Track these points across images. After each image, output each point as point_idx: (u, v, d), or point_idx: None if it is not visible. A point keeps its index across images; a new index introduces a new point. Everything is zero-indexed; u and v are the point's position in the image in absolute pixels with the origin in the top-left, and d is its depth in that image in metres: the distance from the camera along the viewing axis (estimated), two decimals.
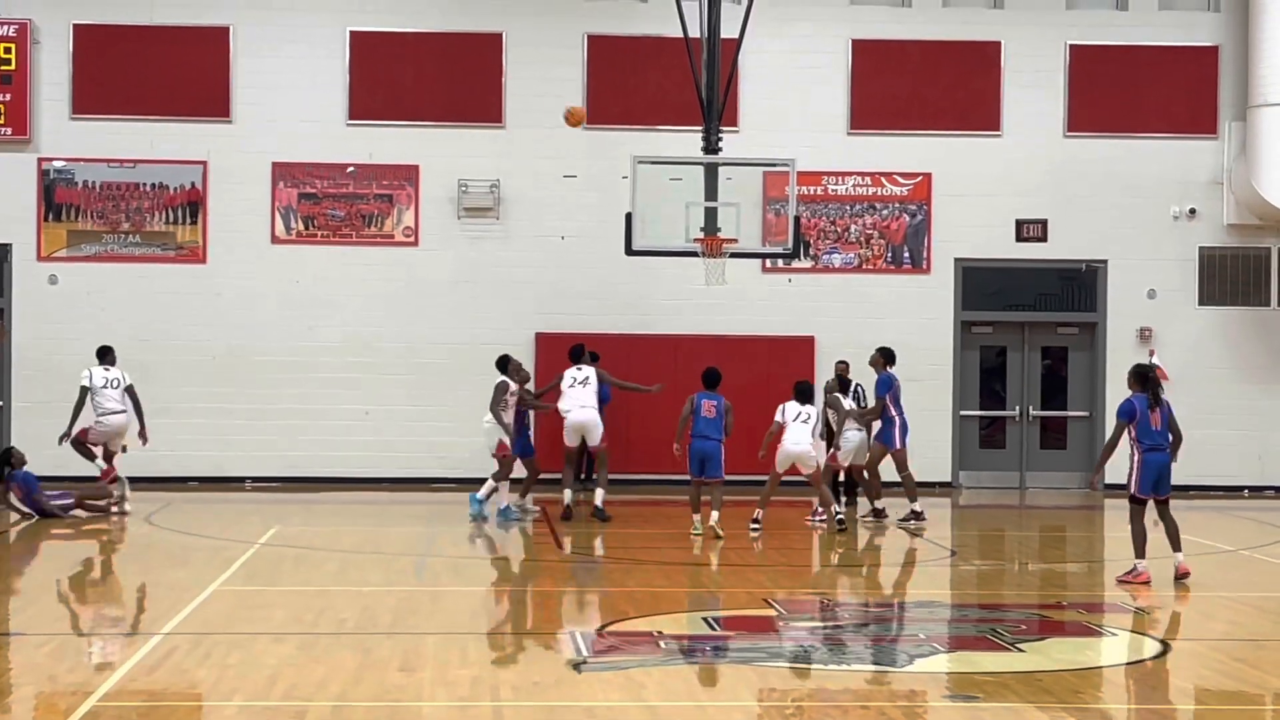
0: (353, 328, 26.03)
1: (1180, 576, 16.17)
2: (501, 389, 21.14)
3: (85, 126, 25.87)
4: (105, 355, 22.06)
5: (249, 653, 12.04)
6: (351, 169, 26.16)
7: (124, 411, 21.75)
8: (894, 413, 21.56)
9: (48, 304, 25.72)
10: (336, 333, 26.04)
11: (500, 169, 26.23)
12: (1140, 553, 16.20)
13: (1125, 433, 16.37)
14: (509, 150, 26.28)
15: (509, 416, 21.20)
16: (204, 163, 25.99)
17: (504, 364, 21.57)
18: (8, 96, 25.64)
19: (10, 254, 25.84)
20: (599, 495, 21.42)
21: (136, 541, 19.59)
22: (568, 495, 21.30)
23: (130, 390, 21.83)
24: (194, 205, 26.02)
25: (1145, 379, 16.46)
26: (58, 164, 25.85)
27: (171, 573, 16.60)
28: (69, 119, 25.87)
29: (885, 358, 21.88)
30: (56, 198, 25.85)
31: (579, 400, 21.19)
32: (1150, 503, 16.39)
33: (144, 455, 24.87)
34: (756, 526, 20.07)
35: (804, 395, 20.56)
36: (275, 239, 26.14)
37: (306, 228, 26.19)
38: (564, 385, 21.33)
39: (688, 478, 20.14)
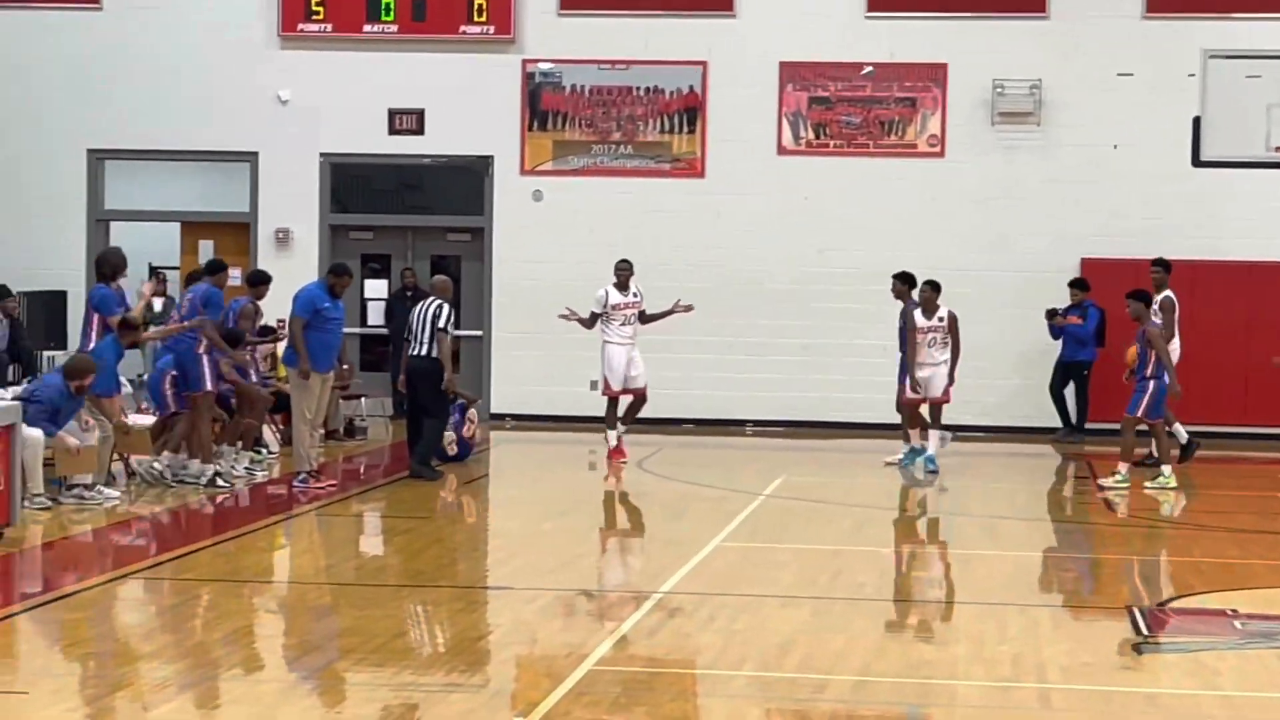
0: (868, 252, 25.95)
1: None
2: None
3: (574, 24, 26.52)
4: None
5: (757, 617, 12.25)
6: (869, 69, 26.16)
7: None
8: None
9: (531, 223, 26.50)
10: (850, 257, 26.06)
11: (1042, 67, 25.79)
12: None
13: None
14: (1053, 45, 25.83)
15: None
16: (703, 63, 26.38)
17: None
18: None
19: (492, 167, 26.70)
20: None
21: (629, 489, 20.10)
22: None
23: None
24: (691, 111, 26.46)
25: None
26: (544, 66, 26.58)
27: (667, 525, 17.02)
28: (556, 14, 26.54)
29: None
30: (542, 104, 26.59)
31: None
32: None
33: None
34: None
35: None
36: (781, 149, 26.37)
37: (817, 136, 26.34)
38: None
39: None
